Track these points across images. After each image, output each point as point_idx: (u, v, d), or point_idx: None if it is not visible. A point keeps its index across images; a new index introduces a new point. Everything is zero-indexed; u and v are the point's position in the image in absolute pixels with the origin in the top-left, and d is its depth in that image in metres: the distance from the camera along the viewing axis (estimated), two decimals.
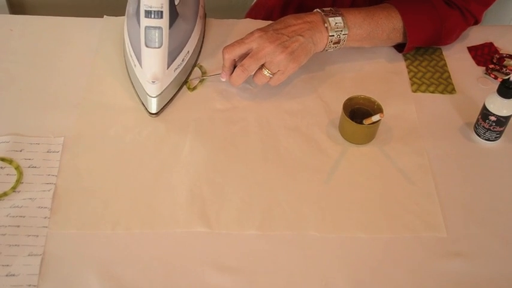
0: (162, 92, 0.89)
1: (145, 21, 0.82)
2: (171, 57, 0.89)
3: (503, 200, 0.83)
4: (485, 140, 0.90)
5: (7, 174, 0.83)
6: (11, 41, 1.04)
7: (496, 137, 0.89)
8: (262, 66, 0.89)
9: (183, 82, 0.96)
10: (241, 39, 0.90)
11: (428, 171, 0.86)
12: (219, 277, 0.74)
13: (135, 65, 0.90)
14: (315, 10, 0.94)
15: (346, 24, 0.92)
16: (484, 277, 0.75)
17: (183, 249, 0.77)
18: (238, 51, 0.89)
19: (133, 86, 0.94)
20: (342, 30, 0.92)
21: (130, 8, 0.93)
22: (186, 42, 0.93)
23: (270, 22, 0.94)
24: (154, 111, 0.90)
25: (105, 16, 1.09)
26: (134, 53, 0.89)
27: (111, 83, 0.97)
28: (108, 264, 0.75)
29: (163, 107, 0.92)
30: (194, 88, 0.96)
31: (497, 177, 0.86)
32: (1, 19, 1.09)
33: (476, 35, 1.08)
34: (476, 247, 0.78)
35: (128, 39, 0.92)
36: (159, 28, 0.82)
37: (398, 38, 0.99)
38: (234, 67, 0.92)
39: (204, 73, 0.99)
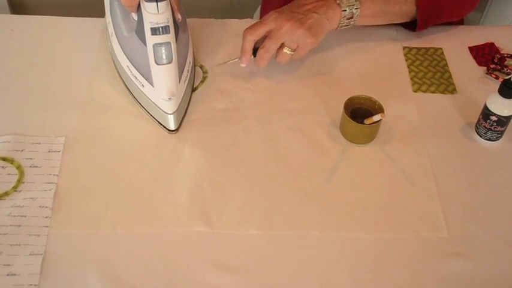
0: (178, 107, 0.88)
1: (152, 39, 0.80)
2: (180, 70, 0.87)
3: (504, 200, 0.83)
4: (487, 140, 0.90)
5: (8, 174, 0.83)
6: (12, 41, 1.04)
7: (497, 137, 0.89)
8: (282, 45, 0.91)
9: (192, 91, 0.96)
10: (259, 21, 0.92)
11: (429, 171, 0.86)
12: (220, 277, 0.74)
13: (143, 85, 0.87)
14: None
15: (359, 2, 0.94)
16: (484, 277, 0.75)
17: (184, 249, 0.77)
18: (260, 32, 0.91)
19: (143, 107, 0.91)
20: (353, 5, 0.94)
21: (122, 28, 0.90)
22: (188, 52, 0.92)
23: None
24: (174, 127, 0.89)
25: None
26: (140, 73, 0.87)
27: (113, 83, 0.97)
28: (109, 263, 0.75)
29: (181, 121, 0.91)
30: (196, 88, 0.96)
31: (498, 177, 0.86)
32: (2, 19, 1.09)
33: (477, 35, 1.08)
34: (477, 247, 0.78)
35: (127, 60, 0.89)
36: (168, 43, 0.80)
37: (412, 11, 1.00)
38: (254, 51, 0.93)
39: (205, 72, 0.99)
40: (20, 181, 0.82)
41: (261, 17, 1.26)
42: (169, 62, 0.82)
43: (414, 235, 0.79)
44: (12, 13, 1.85)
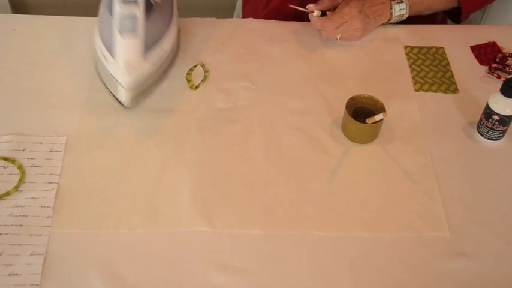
0: (137, 84, 0.87)
1: (119, 9, 0.81)
2: (147, 48, 0.87)
3: (506, 199, 0.83)
4: (488, 139, 0.90)
5: (10, 174, 0.83)
6: (13, 41, 1.04)
7: (499, 136, 0.89)
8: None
9: (158, 78, 0.94)
10: (342, 12, 1.00)
11: (431, 170, 0.86)
12: (222, 276, 0.74)
13: (106, 59, 0.87)
14: None
15: (409, 7, 1.04)
16: (486, 277, 0.75)
17: (185, 249, 0.77)
18: (338, 17, 1.01)
19: (105, 84, 0.91)
20: (403, 16, 1.05)
21: (100, 5, 0.91)
22: (163, 36, 0.91)
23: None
24: (127, 103, 0.88)
25: None
26: (105, 46, 0.87)
27: None
28: (110, 263, 0.75)
29: (139, 100, 0.90)
30: (197, 87, 0.96)
31: (500, 177, 0.86)
32: (4, 19, 1.09)
33: (479, 35, 1.08)
34: (479, 247, 0.78)
35: (99, 36, 0.89)
36: (133, 16, 0.81)
37: (451, 3, 1.07)
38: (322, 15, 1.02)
39: (206, 71, 0.99)
40: (21, 181, 0.82)
41: (242, 14, 1.26)
42: (133, 35, 0.82)
43: (416, 235, 0.79)
44: (13, 12, 1.85)
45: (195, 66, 1.00)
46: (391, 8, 1.03)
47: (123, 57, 0.84)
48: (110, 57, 0.86)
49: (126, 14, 0.81)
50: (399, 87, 0.98)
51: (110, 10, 0.85)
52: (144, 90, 0.91)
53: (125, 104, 0.89)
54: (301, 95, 0.96)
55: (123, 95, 0.87)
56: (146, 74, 0.88)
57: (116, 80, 0.86)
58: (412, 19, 1.07)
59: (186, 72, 0.99)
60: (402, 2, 1.03)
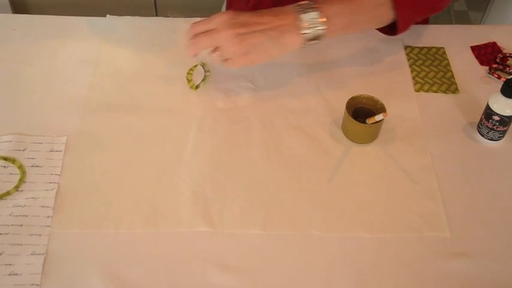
0: None
1: None
2: None
3: (506, 200, 0.83)
4: (489, 139, 0.90)
5: (10, 174, 0.83)
6: (14, 41, 1.04)
7: (499, 137, 0.89)
8: (218, 47, 0.86)
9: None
10: (208, 18, 0.86)
11: (431, 170, 0.86)
12: (222, 276, 0.74)
13: None
14: (292, 6, 0.87)
15: (323, 17, 0.85)
16: (487, 277, 0.75)
17: (185, 249, 0.77)
18: (200, 30, 0.86)
19: None
20: (317, 26, 0.85)
21: None
22: None
23: None
24: None
25: (108, 15, 1.09)
26: None
27: (114, 82, 0.97)
28: (110, 263, 0.75)
29: None
30: (197, 87, 0.96)
31: (500, 177, 0.86)
32: (4, 19, 1.09)
33: (479, 35, 1.08)
34: (479, 247, 0.78)
35: None
36: None
37: (387, 14, 0.91)
38: None
39: (207, 71, 0.99)
40: (21, 181, 0.82)
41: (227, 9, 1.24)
42: None
43: (416, 235, 0.79)
44: (13, 12, 1.85)
45: (195, 66, 1.00)
46: (296, 20, 0.84)
47: None
48: None
49: None
50: (399, 88, 0.98)
51: None
52: None
53: None
54: (302, 95, 0.96)
55: None
56: None
57: None
58: None
59: (187, 72, 0.99)
60: (311, 11, 0.85)
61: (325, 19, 0.85)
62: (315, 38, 0.86)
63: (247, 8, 1.15)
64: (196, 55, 0.89)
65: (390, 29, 0.96)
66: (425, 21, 1.16)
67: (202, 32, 0.86)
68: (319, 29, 0.86)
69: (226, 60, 0.87)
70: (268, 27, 0.84)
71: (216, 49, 0.87)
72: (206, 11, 1.11)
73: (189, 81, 0.97)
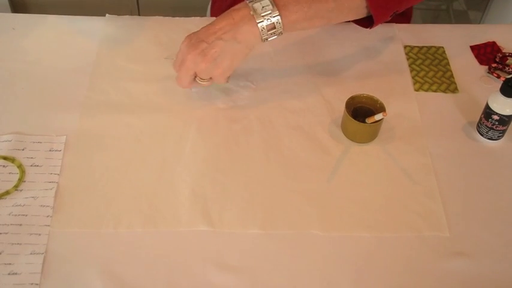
0: None
1: None
2: None
3: (506, 199, 0.83)
4: (488, 139, 0.90)
5: (9, 173, 0.83)
6: (13, 40, 1.04)
7: (498, 136, 0.89)
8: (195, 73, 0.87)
9: None
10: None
11: (431, 170, 0.86)
12: (222, 276, 0.74)
13: None
14: (244, 1, 0.84)
15: (275, 4, 0.82)
16: (486, 277, 0.75)
17: (185, 248, 0.77)
18: (177, 65, 0.88)
19: None
20: (270, 13, 0.81)
21: None
22: None
23: None
24: None
25: (107, 15, 1.09)
26: None
27: (114, 81, 0.97)
28: (110, 262, 0.75)
29: None
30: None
31: (500, 177, 0.86)
32: (3, 18, 1.09)
33: (479, 34, 1.08)
34: (478, 247, 0.78)
35: None
36: None
37: (358, 4, 0.86)
38: None
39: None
40: (21, 180, 0.82)
41: (211, 14, 1.24)
42: None
43: (416, 234, 0.79)
44: (13, 12, 1.85)
45: None
46: (250, 11, 0.82)
47: None
48: None
49: None
50: (399, 87, 0.98)
51: None
52: None
53: None
54: (301, 95, 0.96)
55: None
56: None
57: None
58: None
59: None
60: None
61: (279, 5, 0.82)
62: (273, 27, 0.83)
63: (226, 3, 1.13)
64: (191, 88, 0.92)
65: (368, 21, 0.92)
66: (408, 20, 1.15)
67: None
68: (274, 15, 0.82)
69: (209, 79, 0.88)
70: (224, 31, 0.83)
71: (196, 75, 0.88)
72: (192, 11, 1.11)
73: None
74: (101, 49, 1.02)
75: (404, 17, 1.12)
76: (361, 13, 0.89)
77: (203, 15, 1.27)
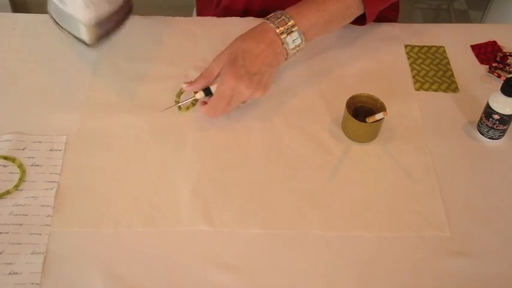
0: (99, 21, 0.86)
1: None
2: None
3: (506, 198, 0.83)
4: (489, 138, 0.90)
5: (10, 173, 0.83)
6: (13, 40, 1.04)
7: (499, 136, 0.89)
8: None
9: (121, 20, 0.94)
10: (219, 92, 0.86)
11: (432, 169, 0.86)
12: (222, 275, 0.74)
13: (64, 2, 0.86)
14: (264, 22, 0.89)
15: (302, 34, 0.89)
16: (487, 276, 0.75)
17: (185, 248, 0.77)
18: (223, 106, 0.87)
19: (65, 29, 0.91)
20: (299, 46, 0.90)
21: None
22: None
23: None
24: (88, 40, 0.88)
25: None
26: None
27: (114, 81, 0.97)
28: (110, 262, 0.75)
29: (102, 39, 0.90)
30: (187, 109, 0.93)
31: (500, 176, 0.86)
32: (4, 17, 1.09)
33: (479, 34, 1.08)
34: (479, 246, 0.78)
35: None
36: None
37: (356, 13, 0.95)
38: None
39: (195, 92, 0.92)
40: (21, 180, 0.82)
41: (197, 14, 1.25)
42: None
43: (416, 234, 0.79)
44: (13, 11, 1.85)
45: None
46: (283, 43, 0.88)
47: None
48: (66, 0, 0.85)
49: None
50: (399, 87, 0.98)
51: None
52: (107, 30, 0.90)
53: (88, 42, 0.88)
54: (302, 94, 0.96)
55: (86, 33, 0.87)
56: (106, 12, 0.87)
57: (77, 19, 0.86)
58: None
59: (175, 93, 0.96)
60: (292, 31, 0.88)
61: (305, 34, 0.89)
62: (296, 52, 0.91)
63: (217, 11, 1.15)
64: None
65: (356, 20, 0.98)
66: (397, 13, 1.15)
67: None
68: (300, 48, 0.90)
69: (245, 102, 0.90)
70: (269, 58, 0.87)
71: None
72: (178, 10, 1.11)
73: (176, 103, 0.94)
74: (102, 49, 1.02)
75: (392, 11, 1.13)
76: (356, 16, 0.96)
77: (189, 14, 1.27)
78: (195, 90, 0.89)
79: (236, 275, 0.74)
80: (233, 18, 1.10)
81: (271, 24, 0.88)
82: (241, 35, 0.90)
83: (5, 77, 0.97)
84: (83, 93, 0.95)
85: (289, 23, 0.88)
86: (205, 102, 0.89)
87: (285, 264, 0.75)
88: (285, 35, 0.88)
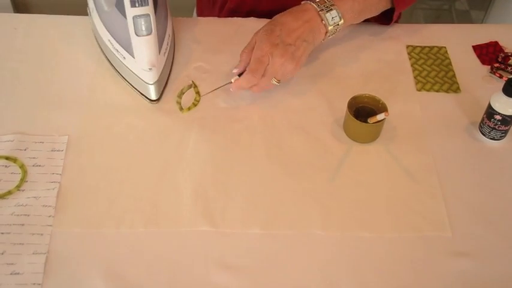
0: (160, 78, 0.91)
1: (132, 11, 0.83)
2: (160, 41, 0.90)
3: (508, 199, 0.83)
4: (491, 139, 0.89)
5: (12, 173, 0.83)
6: (15, 40, 1.04)
7: (501, 136, 0.89)
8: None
9: (171, 63, 0.98)
10: (256, 57, 0.88)
11: (433, 170, 0.86)
12: (223, 276, 0.74)
13: (124, 58, 0.91)
14: (307, 2, 0.93)
15: (341, 14, 0.92)
16: (488, 277, 0.75)
17: (187, 248, 0.77)
18: (261, 70, 0.89)
19: (125, 79, 0.95)
20: (338, 24, 0.93)
21: (103, 3, 0.93)
22: (167, 25, 0.95)
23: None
24: (155, 97, 0.92)
25: None
26: (121, 45, 0.90)
27: (116, 81, 0.97)
28: (112, 262, 0.75)
29: (162, 92, 0.94)
30: (188, 109, 0.93)
31: (502, 177, 0.86)
32: (5, 18, 1.09)
33: (481, 34, 1.08)
34: (481, 247, 0.78)
35: (109, 34, 0.92)
36: (147, 15, 0.84)
37: (386, 5, 1.00)
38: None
39: (197, 93, 0.95)
40: (23, 180, 0.82)
41: (198, 15, 1.26)
42: (149, 34, 0.85)
43: (418, 234, 0.79)
44: (15, 12, 1.85)
45: (188, 87, 0.97)
46: (322, 20, 0.91)
47: (145, 57, 0.87)
48: (130, 56, 0.89)
49: (139, 15, 0.83)
50: (401, 87, 0.98)
51: (121, 12, 0.88)
52: (165, 80, 0.95)
53: (154, 99, 0.92)
54: (303, 95, 0.96)
55: (152, 91, 0.91)
56: (163, 65, 0.93)
57: (142, 80, 0.90)
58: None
59: (177, 94, 0.96)
60: (331, 9, 0.92)
61: (343, 14, 0.93)
62: (333, 33, 0.94)
63: (221, 13, 1.16)
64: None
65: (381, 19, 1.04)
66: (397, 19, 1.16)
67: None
68: (340, 25, 0.93)
69: (280, 80, 0.91)
70: (305, 33, 0.90)
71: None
72: (178, 10, 1.11)
73: (178, 103, 0.95)
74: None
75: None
76: (385, 8, 1.01)
77: (189, 15, 1.27)
78: (242, 71, 0.91)
79: (237, 275, 0.74)
80: (234, 18, 1.11)
81: (312, 4, 0.92)
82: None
83: (7, 77, 0.97)
84: (85, 94, 0.95)
85: (328, 2, 0.92)
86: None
87: (286, 264, 0.75)
88: (324, 12, 0.91)
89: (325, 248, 0.77)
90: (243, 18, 1.10)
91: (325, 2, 0.92)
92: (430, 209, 0.81)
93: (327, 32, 0.92)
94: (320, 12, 0.91)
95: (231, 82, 0.91)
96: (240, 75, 0.91)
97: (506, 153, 0.89)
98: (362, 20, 0.99)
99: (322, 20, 0.91)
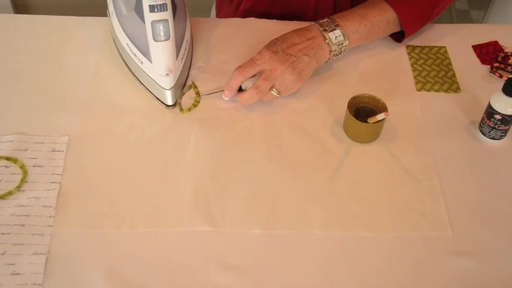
0: (177, 83, 0.91)
1: (151, 16, 0.83)
2: (177, 47, 0.90)
3: (508, 198, 0.83)
4: (490, 138, 0.90)
5: (12, 174, 0.83)
6: (15, 41, 1.04)
7: (501, 136, 0.89)
8: (271, 86, 0.91)
9: (188, 69, 0.98)
10: (252, 59, 0.90)
11: (433, 169, 0.86)
12: (224, 276, 0.74)
13: (142, 62, 0.91)
14: (311, 24, 0.95)
15: (346, 35, 0.95)
16: (489, 276, 0.75)
17: (187, 248, 0.77)
18: (251, 72, 0.90)
19: (142, 84, 0.95)
20: (342, 43, 0.95)
21: (122, 6, 0.93)
22: (185, 30, 0.95)
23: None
24: (171, 103, 0.92)
25: None
26: (139, 50, 0.90)
27: (116, 82, 0.97)
28: (112, 262, 0.75)
29: (178, 95, 0.94)
30: (188, 110, 0.94)
31: (502, 176, 0.86)
32: (5, 18, 1.09)
33: (481, 34, 1.08)
34: (481, 246, 0.78)
35: (127, 38, 0.92)
36: (165, 21, 0.83)
37: (394, 29, 1.01)
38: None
39: (197, 93, 0.96)
40: (23, 180, 0.82)
41: (217, 15, 1.27)
42: (167, 39, 0.85)
43: (418, 234, 0.79)
44: (15, 12, 1.85)
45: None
46: (325, 39, 0.93)
47: (163, 63, 0.87)
48: (147, 61, 0.89)
49: (157, 20, 0.83)
50: (401, 87, 0.98)
51: (140, 16, 0.88)
52: (181, 86, 0.96)
53: (170, 104, 0.92)
54: (303, 95, 0.96)
55: (168, 97, 0.91)
56: (180, 71, 0.93)
57: (158, 84, 0.90)
58: None
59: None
60: (335, 29, 0.94)
61: (348, 36, 0.95)
62: (338, 53, 0.96)
63: (237, 13, 1.16)
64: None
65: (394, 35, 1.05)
66: None
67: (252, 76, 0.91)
68: (344, 45, 0.95)
69: (280, 92, 0.92)
70: (308, 49, 0.92)
71: (270, 88, 0.91)
72: (195, 10, 1.12)
73: (178, 104, 0.95)
74: (103, 49, 1.02)
75: None
76: (394, 32, 1.02)
77: (207, 15, 1.28)
78: (246, 78, 0.91)
79: (238, 275, 0.74)
80: (234, 19, 1.11)
81: (316, 25, 0.95)
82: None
83: (7, 77, 0.97)
84: (85, 94, 0.95)
85: (333, 24, 0.95)
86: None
87: (286, 264, 0.75)
88: (327, 31, 0.94)
89: (326, 247, 0.77)
90: (243, 19, 1.10)
91: (330, 23, 0.95)
92: (430, 208, 0.81)
93: (331, 51, 0.94)
94: (323, 31, 0.93)
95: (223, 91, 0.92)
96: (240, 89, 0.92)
97: (506, 152, 0.89)
98: (370, 41, 1.01)
99: (325, 39, 0.93)
